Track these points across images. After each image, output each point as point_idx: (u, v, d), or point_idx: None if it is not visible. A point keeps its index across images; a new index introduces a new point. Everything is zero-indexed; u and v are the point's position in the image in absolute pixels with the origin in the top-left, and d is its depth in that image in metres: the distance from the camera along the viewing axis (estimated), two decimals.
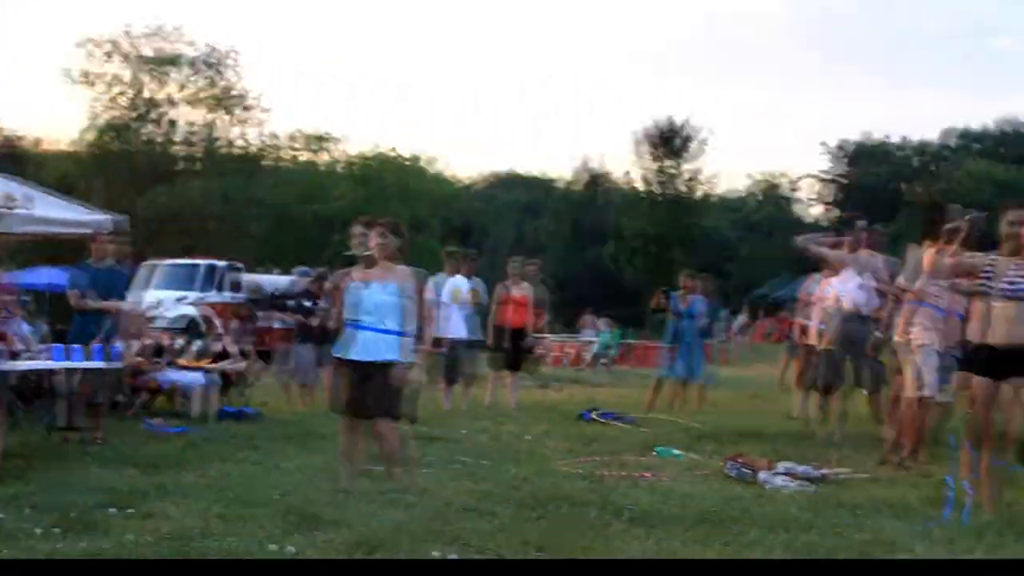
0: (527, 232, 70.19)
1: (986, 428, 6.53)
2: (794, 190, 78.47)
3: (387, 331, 7.32)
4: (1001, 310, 6.54)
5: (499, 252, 50.86)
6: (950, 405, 8.77)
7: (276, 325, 15.87)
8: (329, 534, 5.85)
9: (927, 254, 8.78)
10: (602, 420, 12.39)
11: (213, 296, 24.90)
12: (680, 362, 14.43)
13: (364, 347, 7.34)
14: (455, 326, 13.86)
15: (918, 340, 8.75)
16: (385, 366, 7.28)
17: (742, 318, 38.64)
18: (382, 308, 7.34)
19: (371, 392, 7.30)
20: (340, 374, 7.53)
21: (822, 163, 74.95)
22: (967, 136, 74.22)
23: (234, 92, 47.82)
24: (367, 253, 7.60)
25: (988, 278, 6.65)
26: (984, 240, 7.62)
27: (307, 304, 14.16)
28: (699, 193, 56.37)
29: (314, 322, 13.84)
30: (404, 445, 7.69)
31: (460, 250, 15.07)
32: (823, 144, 75.80)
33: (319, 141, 59.41)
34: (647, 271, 49.08)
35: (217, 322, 15.42)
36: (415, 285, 7.56)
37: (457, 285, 13.90)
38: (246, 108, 48.26)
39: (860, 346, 10.34)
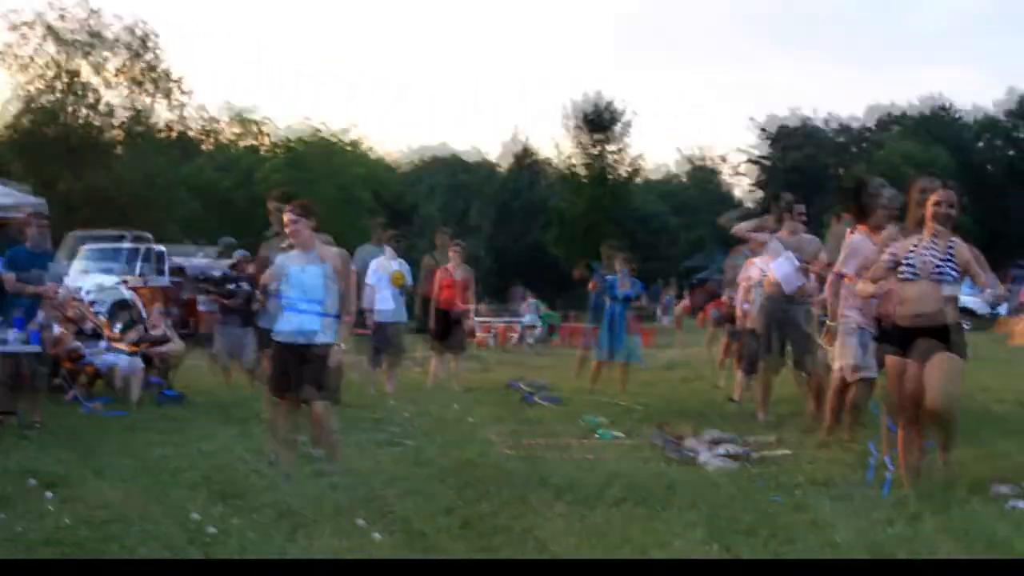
0: (459, 211, 70.13)
1: (900, 404, 6.68)
2: (721, 171, 79.09)
3: (319, 313, 7.31)
4: (909, 288, 6.67)
5: (431, 232, 50.84)
6: (875, 381, 8.80)
7: (202, 307, 15.85)
8: (265, 515, 5.91)
9: (858, 235, 8.83)
10: (544, 403, 12.42)
11: (150, 279, 24.72)
12: (607, 340, 14.35)
13: (299, 330, 7.33)
14: (384, 305, 13.74)
15: (843, 319, 8.86)
16: (319, 348, 7.28)
17: (674, 297, 38.89)
18: (314, 290, 7.33)
19: (306, 374, 7.28)
20: (274, 355, 7.54)
21: (750, 139, 75.55)
22: (890, 116, 75.16)
23: (156, 72, 47.29)
24: (287, 238, 7.59)
25: (910, 263, 6.73)
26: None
27: (230, 285, 14.14)
28: (627, 171, 56.39)
29: (236, 302, 13.82)
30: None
31: (385, 222, 14.90)
32: (751, 119, 76.36)
33: (249, 122, 59.13)
34: (578, 251, 49.30)
35: (154, 307, 15.35)
36: (344, 264, 7.52)
37: (392, 268, 13.82)
38: (168, 89, 47.74)
39: (790, 326, 10.38)
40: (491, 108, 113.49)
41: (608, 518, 5.84)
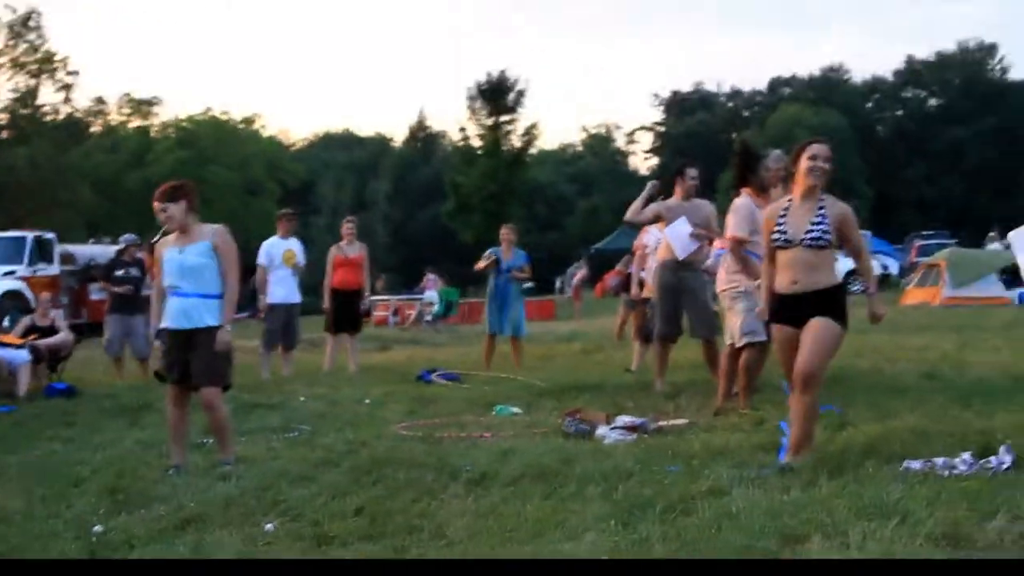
0: (358, 193, 69.83)
1: (787, 372, 6.56)
2: (630, 142, 79.68)
3: (203, 295, 7.10)
4: (783, 255, 6.50)
5: (337, 213, 50.50)
6: (768, 345, 8.74)
7: (94, 296, 15.56)
8: (156, 511, 5.77)
9: (742, 197, 8.81)
10: (442, 381, 12.37)
11: (43, 269, 24.21)
12: (499, 316, 14.28)
13: (184, 314, 7.11)
14: (277, 290, 13.57)
15: (735, 286, 8.85)
16: (206, 332, 7.07)
17: (582, 271, 39.04)
18: (195, 271, 7.09)
19: (195, 360, 7.08)
20: (166, 344, 7.30)
21: (655, 115, 76.15)
22: (784, 83, 76.35)
23: (40, 53, 46.22)
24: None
25: (782, 228, 6.49)
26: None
27: (118, 273, 13.83)
28: (531, 148, 56.57)
29: (126, 289, 13.52)
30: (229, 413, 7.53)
31: (286, 211, 14.66)
32: (654, 96, 77.08)
33: (144, 105, 58.06)
34: (485, 228, 49.31)
35: (42, 296, 14.97)
36: (224, 241, 7.21)
37: (289, 247, 13.63)
38: (52, 69, 46.69)
39: (685, 293, 10.33)
40: (398, 93, 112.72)
41: (504, 497, 5.77)
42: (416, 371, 13.16)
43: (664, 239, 10.49)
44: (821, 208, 6.41)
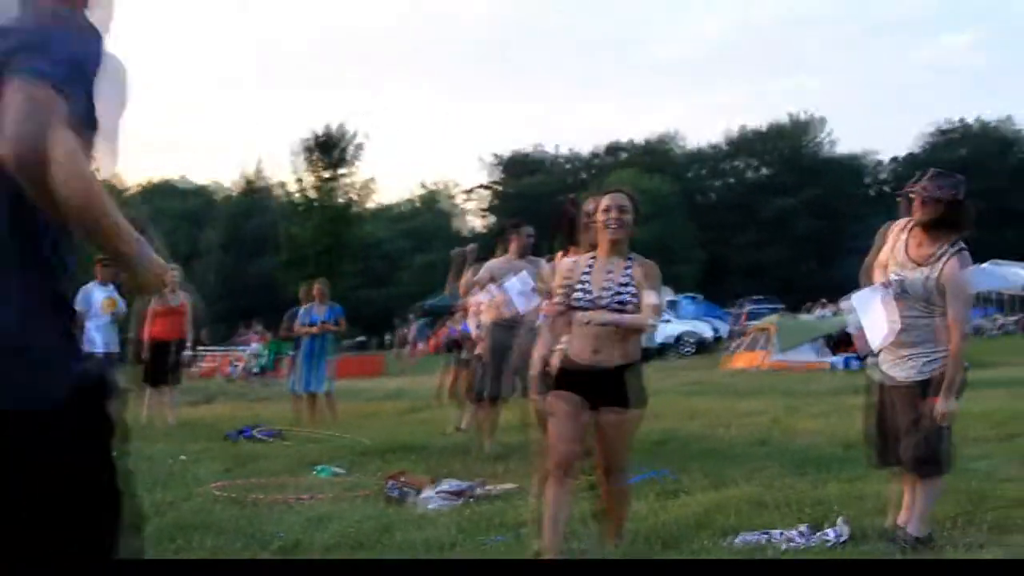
0: (191, 242, 68.34)
1: (559, 449, 5.56)
2: (467, 200, 79.88)
3: None
4: (581, 319, 5.58)
5: (168, 261, 49.02)
6: None
7: None
8: None
9: (569, 258, 8.58)
10: (262, 439, 11.83)
11: None
12: (305, 373, 13.94)
13: None
14: (97, 337, 12.83)
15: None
16: None
17: (414, 326, 38.61)
18: None
19: None
20: None
21: (493, 174, 76.51)
22: (619, 148, 77.79)
23: None
24: None
25: (585, 287, 5.61)
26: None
27: None
28: (367, 202, 56.26)
29: None
30: None
31: (103, 256, 13.96)
32: (480, 160, 77.75)
33: None
34: (308, 277, 48.50)
35: None
36: None
37: (107, 295, 12.97)
38: None
39: (520, 354, 10.05)
40: (233, 142, 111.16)
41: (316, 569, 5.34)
42: (238, 425, 12.60)
43: (497, 297, 10.21)
44: (628, 268, 5.61)
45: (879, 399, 6.01)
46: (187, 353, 13.84)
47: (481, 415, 10.73)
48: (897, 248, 5.95)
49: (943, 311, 5.74)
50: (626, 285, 5.53)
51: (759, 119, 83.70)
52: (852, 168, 72.31)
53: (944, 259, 5.76)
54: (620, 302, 5.48)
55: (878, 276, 6.01)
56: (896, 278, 5.86)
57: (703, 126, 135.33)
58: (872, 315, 5.92)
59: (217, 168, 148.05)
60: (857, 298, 6.06)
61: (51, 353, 2.46)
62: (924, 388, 5.72)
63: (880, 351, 5.93)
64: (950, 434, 5.77)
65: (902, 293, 5.81)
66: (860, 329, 6.06)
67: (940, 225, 5.81)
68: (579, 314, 5.52)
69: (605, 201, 5.69)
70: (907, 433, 5.76)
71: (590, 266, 5.67)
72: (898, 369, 5.86)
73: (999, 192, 57.80)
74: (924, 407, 5.68)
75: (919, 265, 5.81)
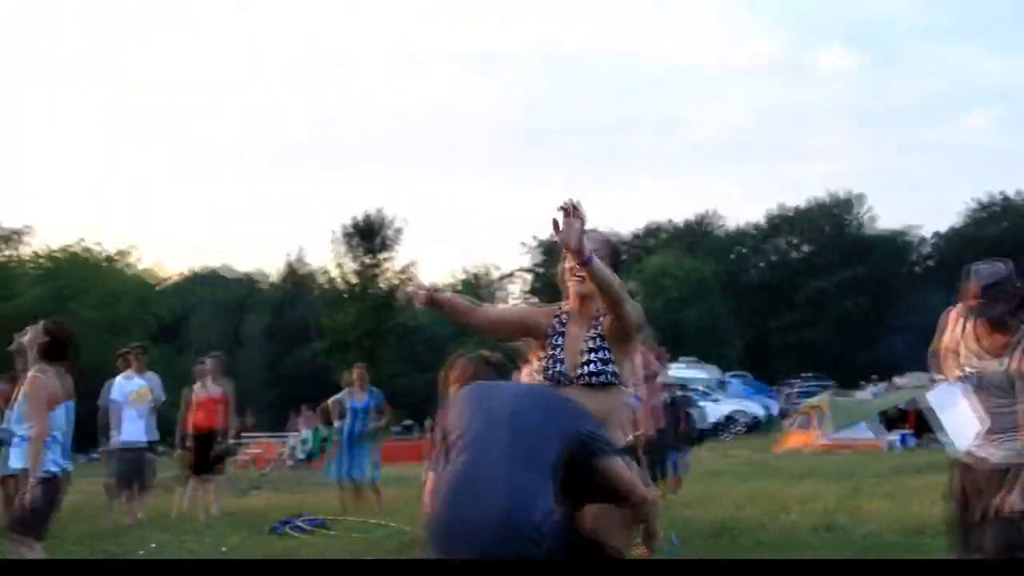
0: (234, 330, 68.58)
1: None
2: (495, 279, 79.66)
3: (22, 438, 6.69)
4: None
5: (205, 351, 49.14)
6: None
7: None
8: None
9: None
10: (307, 529, 11.47)
11: None
12: (345, 461, 13.64)
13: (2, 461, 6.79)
14: (129, 428, 12.70)
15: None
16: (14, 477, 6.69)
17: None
18: (14, 414, 6.77)
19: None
20: None
21: (534, 257, 76.37)
22: (659, 229, 77.58)
23: None
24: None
25: (557, 355, 4.74)
26: None
27: None
28: (396, 281, 55.99)
29: None
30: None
31: (135, 346, 13.96)
32: (521, 243, 77.59)
33: (14, 235, 56.39)
34: (352, 362, 48.28)
35: None
36: (31, 384, 6.75)
37: (138, 384, 12.82)
38: None
39: None
40: (274, 230, 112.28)
41: None
42: (282, 515, 12.31)
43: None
44: (596, 325, 4.71)
45: (960, 483, 5.68)
46: (229, 442, 13.63)
47: None
48: (967, 337, 5.66)
49: None
50: (598, 352, 4.66)
51: (798, 197, 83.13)
52: (894, 244, 71.63)
53: (1020, 348, 5.48)
54: (593, 373, 4.61)
55: (950, 363, 5.74)
56: (972, 370, 5.59)
57: (741, 206, 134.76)
58: (956, 413, 5.64)
59: (259, 256, 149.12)
60: (936, 397, 5.79)
61: None
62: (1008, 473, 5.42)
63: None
64: None
65: (981, 385, 5.53)
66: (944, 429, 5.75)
67: (1004, 315, 5.53)
68: None
69: (569, 260, 4.65)
70: (991, 520, 5.42)
71: (563, 325, 4.81)
72: (984, 451, 5.53)
73: None
74: (1001, 496, 5.36)
75: (994, 356, 5.56)
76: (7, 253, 57.37)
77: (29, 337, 6.88)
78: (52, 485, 6.69)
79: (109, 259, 59.46)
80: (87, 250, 57.00)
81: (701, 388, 33.57)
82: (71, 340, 7.06)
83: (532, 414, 4.21)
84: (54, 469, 6.69)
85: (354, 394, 13.75)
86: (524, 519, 3.91)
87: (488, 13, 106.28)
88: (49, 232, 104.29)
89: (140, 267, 64.87)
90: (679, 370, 33.28)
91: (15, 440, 6.70)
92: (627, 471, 4.37)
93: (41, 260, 56.23)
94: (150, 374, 13.11)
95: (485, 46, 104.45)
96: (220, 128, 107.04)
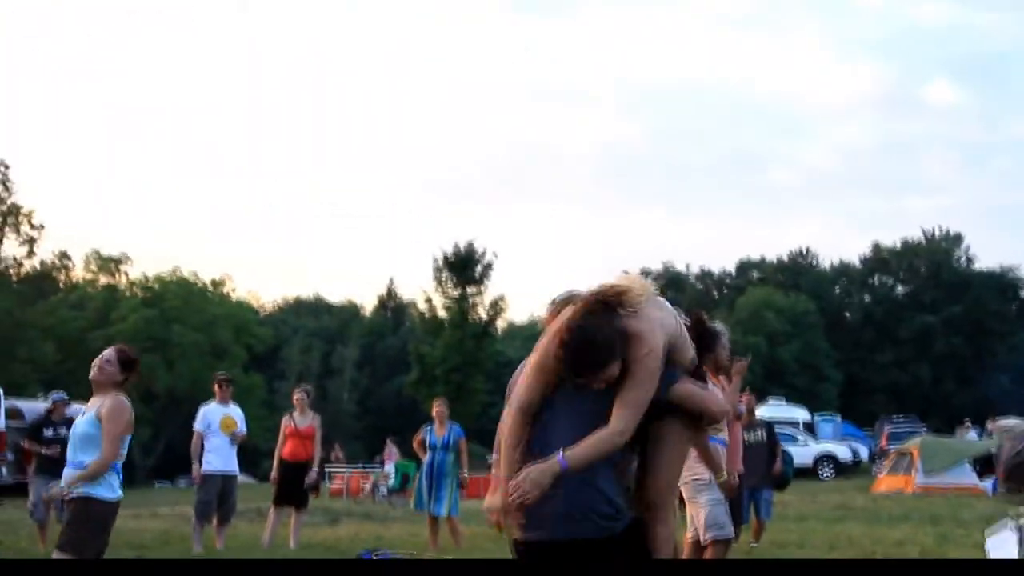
0: (325, 359, 69.17)
1: None
2: None
3: (79, 464, 6.75)
4: None
5: (303, 379, 49.68)
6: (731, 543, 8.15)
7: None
8: None
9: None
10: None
11: None
12: (424, 491, 13.51)
13: (64, 483, 6.80)
14: (213, 458, 12.83)
15: (697, 477, 8.00)
16: (78, 501, 6.68)
17: None
18: (81, 440, 6.78)
19: (63, 529, 6.85)
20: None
21: None
22: (753, 265, 76.79)
23: (6, 206, 45.92)
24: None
25: None
26: None
27: (46, 433, 13.07)
28: (498, 320, 56.11)
29: (53, 450, 12.66)
30: None
31: (223, 375, 14.14)
32: (624, 272, 77.06)
33: (112, 262, 57.67)
34: (449, 399, 48.31)
35: None
36: (109, 411, 6.78)
37: (228, 413, 12.98)
38: (17, 223, 46.37)
39: None
40: (369, 261, 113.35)
41: None
42: (360, 548, 12.31)
43: None
44: None
45: None
46: (313, 474, 13.66)
47: None
48: None
49: None
50: None
51: (892, 236, 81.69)
52: (994, 284, 70.07)
53: None
54: None
55: None
56: None
57: (836, 244, 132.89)
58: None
59: (352, 286, 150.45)
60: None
61: None
62: None
63: None
64: None
65: None
66: None
67: None
68: None
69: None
70: None
71: None
72: None
73: None
74: None
75: None
76: (106, 279, 58.62)
77: (106, 360, 6.90)
78: (110, 508, 6.75)
79: (215, 283, 60.45)
80: (189, 275, 58.02)
81: (788, 431, 33.16)
82: (136, 368, 7.10)
83: None
84: (112, 496, 6.75)
85: (434, 429, 13.76)
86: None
87: (584, 50, 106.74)
88: (143, 259, 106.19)
89: (236, 296, 65.78)
90: (767, 410, 32.89)
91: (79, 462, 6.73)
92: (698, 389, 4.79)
93: (147, 285, 57.32)
94: (233, 405, 13.23)
95: (582, 84, 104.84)
96: (314, 162, 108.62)
